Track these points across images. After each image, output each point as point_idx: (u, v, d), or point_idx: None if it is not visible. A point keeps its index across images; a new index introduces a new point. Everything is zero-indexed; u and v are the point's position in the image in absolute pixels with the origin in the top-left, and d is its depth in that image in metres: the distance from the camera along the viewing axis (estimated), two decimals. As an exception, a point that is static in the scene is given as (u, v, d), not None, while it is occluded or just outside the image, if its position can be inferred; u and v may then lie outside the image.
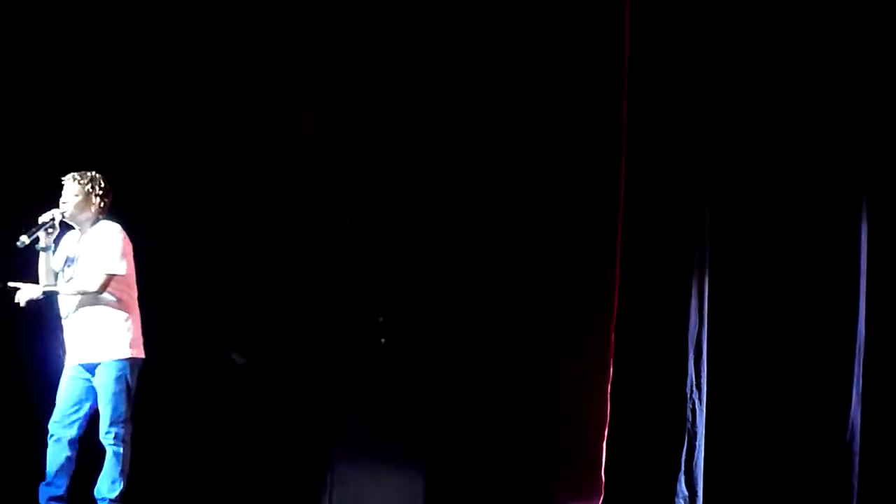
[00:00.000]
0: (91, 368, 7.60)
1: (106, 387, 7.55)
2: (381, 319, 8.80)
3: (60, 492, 7.60)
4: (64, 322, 7.70)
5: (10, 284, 7.58)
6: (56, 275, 7.68)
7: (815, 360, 8.96)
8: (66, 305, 7.68)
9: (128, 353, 7.59)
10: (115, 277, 7.55)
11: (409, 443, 8.72)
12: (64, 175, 7.68)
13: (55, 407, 7.63)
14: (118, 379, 7.55)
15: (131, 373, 7.59)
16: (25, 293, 7.59)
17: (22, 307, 7.60)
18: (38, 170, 8.57)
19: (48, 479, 7.61)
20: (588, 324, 8.76)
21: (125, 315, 7.60)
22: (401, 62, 9.00)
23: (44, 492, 7.63)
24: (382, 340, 8.79)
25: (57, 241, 7.69)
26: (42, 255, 7.65)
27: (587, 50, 8.91)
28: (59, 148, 8.72)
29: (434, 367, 8.81)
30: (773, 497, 8.90)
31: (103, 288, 7.54)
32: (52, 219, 7.56)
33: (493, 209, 8.92)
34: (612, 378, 8.61)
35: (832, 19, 9.01)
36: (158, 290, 8.88)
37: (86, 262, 7.63)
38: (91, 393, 7.61)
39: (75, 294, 7.58)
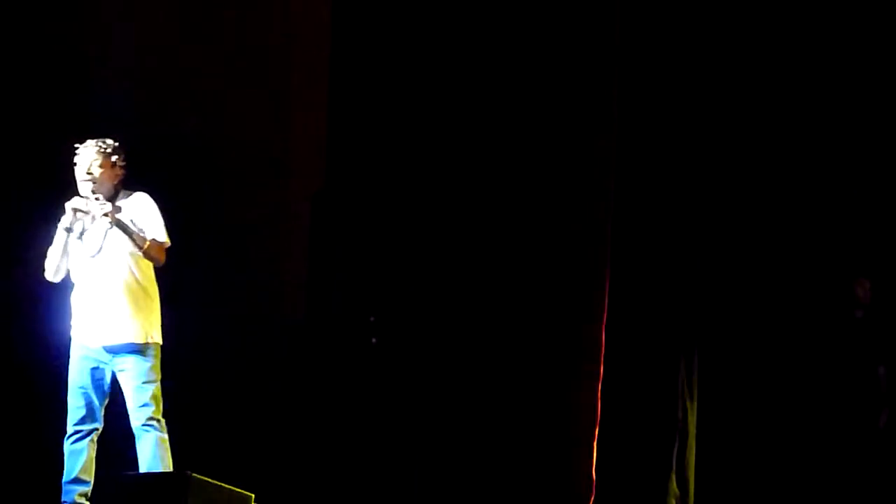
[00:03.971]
0: (117, 351, 7.12)
1: (143, 374, 7.11)
2: (371, 319, 8.81)
3: (87, 487, 7.18)
4: (86, 299, 7.18)
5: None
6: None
7: (811, 358, 8.99)
8: (91, 281, 7.16)
9: (159, 339, 7.22)
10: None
11: (400, 442, 8.71)
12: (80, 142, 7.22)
13: (72, 401, 7.17)
14: (154, 366, 7.16)
15: (159, 358, 7.22)
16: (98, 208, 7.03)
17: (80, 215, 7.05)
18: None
19: (71, 476, 7.17)
20: (578, 321, 8.75)
21: (154, 298, 7.24)
22: (393, 62, 9.03)
23: (68, 490, 7.20)
24: (373, 340, 8.80)
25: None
26: (62, 235, 7.14)
27: (580, 56, 8.94)
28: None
29: (424, 367, 8.81)
30: (764, 497, 8.89)
31: (163, 259, 7.16)
32: (85, 205, 7.07)
33: (485, 209, 8.92)
34: (603, 376, 8.61)
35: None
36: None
37: (119, 234, 7.12)
38: (111, 381, 7.18)
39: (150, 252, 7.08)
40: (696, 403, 8.80)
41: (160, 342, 7.26)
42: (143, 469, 7.21)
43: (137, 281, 7.20)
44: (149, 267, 7.24)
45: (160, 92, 9.18)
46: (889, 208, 9.53)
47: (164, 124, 9.16)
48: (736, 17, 9.18)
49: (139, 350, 7.18)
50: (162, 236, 7.19)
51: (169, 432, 8.39)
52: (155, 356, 7.22)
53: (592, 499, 8.62)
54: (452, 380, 8.81)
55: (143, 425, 7.18)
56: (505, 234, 8.88)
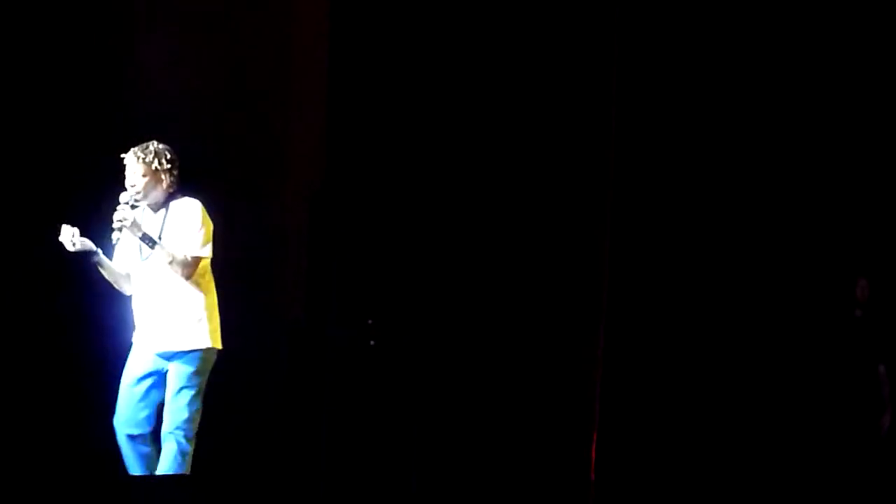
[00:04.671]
0: (169, 357, 7.00)
1: (184, 379, 6.97)
2: (370, 321, 8.82)
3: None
4: (138, 304, 7.08)
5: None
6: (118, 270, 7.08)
7: (811, 358, 9.01)
8: (142, 285, 7.06)
9: (209, 343, 7.02)
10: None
11: (398, 445, 8.72)
12: (124, 152, 7.05)
13: (119, 401, 7.07)
14: (198, 372, 7.00)
15: (210, 365, 7.05)
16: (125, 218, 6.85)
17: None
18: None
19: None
20: (577, 324, 8.77)
21: (208, 301, 7.05)
22: (392, 63, 9.04)
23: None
24: (372, 342, 8.81)
25: (100, 240, 7.03)
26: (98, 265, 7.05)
27: (579, 57, 8.95)
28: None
29: (422, 369, 8.82)
30: (765, 498, 8.91)
31: (192, 274, 6.93)
32: (124, 217, 6.87)
33: (484, 210, 8.94)
34: (602, 378, 8.62)
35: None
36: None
37: (169, 242, 6.98)
38: (162, 384, 7.02)
39: (173, 264, 6.87)
40: (696, 406, 8.81)
41: (210, 346, 7.07)
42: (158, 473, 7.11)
43: (184, 287, 7.02)
44: (200, 273, 7.07)
45: (159, 92, 9.17)
46: (888, 208, 9.53)
47: (163, 124, 9.15)
48: (735, 18, 9.18)
49: (184, 356, 7.04)
50: (193, 250, 6.98)
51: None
52: (202, 363, 7.04)
53: (591, 501, 8.65)
54: (451, 382, 8.83)
55: (170, 432, 7.02)
56: (504, 235, 8.89)
